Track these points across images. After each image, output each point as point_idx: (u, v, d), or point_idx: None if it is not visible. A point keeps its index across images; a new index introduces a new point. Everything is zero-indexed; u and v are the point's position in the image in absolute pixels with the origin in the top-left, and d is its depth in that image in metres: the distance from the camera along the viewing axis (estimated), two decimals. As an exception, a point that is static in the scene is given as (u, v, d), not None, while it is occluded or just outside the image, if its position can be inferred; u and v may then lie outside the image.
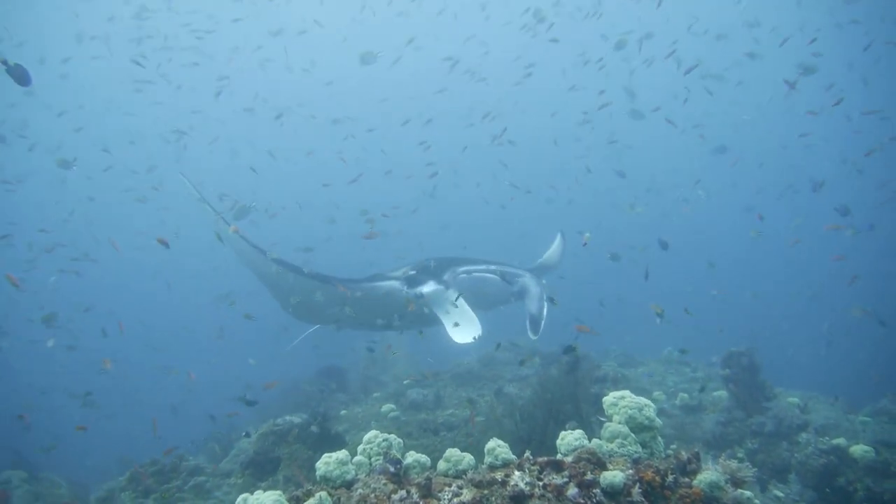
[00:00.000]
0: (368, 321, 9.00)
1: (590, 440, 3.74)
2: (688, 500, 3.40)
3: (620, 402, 3.89)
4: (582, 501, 3.28)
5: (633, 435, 3.74)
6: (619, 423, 3.82)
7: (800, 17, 23.57)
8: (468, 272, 8.31)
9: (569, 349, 6.93)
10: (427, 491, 3.33)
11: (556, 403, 6.53)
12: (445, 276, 8.16)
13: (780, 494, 6.65)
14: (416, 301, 7.96)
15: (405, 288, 8.08)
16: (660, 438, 3.93)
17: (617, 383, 8.36)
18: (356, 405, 10.31)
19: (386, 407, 9.34)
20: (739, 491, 3.69)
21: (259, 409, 11.14)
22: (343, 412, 9.84)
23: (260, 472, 6.95)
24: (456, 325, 7.55)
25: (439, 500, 3.31)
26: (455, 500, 3.28)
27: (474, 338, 7.40)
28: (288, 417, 7.69)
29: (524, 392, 8.20)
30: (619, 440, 3.70)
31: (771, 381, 7.76)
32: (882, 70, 22.84)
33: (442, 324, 7.79)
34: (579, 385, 6.89)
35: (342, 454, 3.61)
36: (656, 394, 8.85)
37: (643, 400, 3.91)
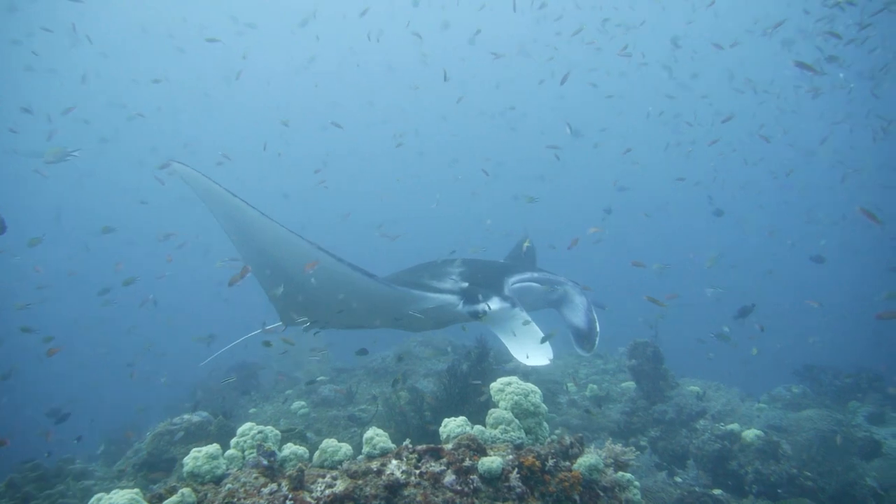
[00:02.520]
0: (373, 324, 7.91)
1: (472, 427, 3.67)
2: (567, 483, 3.39)
3: (507, 388, 3.85)
4: (459, 488, 3.20)
5: (516, 421, 3.71)
6: (505, 409, 3.77)
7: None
8: (519, 281, 7.33)
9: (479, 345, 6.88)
10: (299, 483, 3.17)
11: (463, 395, 6.48)
12: (506, 290, 7.11)
13: (679, 479, 6.82)
14: (477, 319, 6.97)
15: (461, 303, 6.97)
16: (545, 424, 3.91)
17: (528, 376, 8.38)
18: (267, 403, 9.99)
19: (296, 404, 9.08)
20: (620, 473, 3.72)
21: (163, 408, 10.63)
22: (252, 410, 9.51)
23: (154, 473, 6.59)
24: (525, 348, 6.57)
25: (311, 492, 3.16)
26: (328, 491, 3.14)
27: (547, 363, 6.40)
28: (186, 416, 7.34)
29: (436, 386, 8.11)
30: (502, 426, 3.66)
31: (673, 371, 7.97)
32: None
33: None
34: (486, 377, 6.85)
35: (212, 448, 3.40)
36: (569, 385, 8.96)
37: (530, 386, 3.88)
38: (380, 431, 3.53)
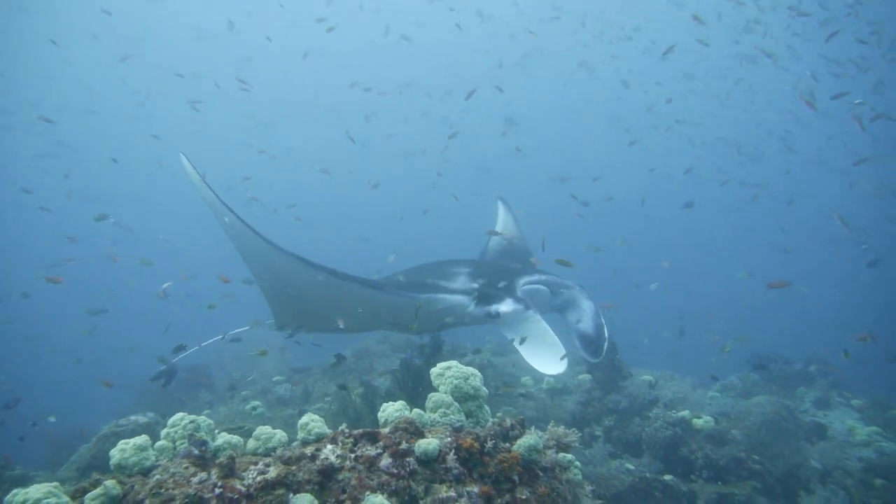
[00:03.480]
0: (379, 327, 7.74)
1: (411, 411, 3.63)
2: (506, 464, 3.37)
3: (446, 372, 3.82)
4: (395, 471, 3.16)
5: (456, 404, 3.68)
6: (445, 393, 3.74)
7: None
8: (528, 283, 7.08)
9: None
10: (229, 471, 3.08)
11: (416, 388, 6.45)
12: (518, 291, 6.87)
13: (631, 466, 6.87)
14: (489, 321, 6.76)
15: (473, 304, 6.75)
16: (486, 407, 3.89)
17: (484, 370, 8.38)
18: (221, 405, 9.79)
19: (251, 404, 8.93)
20: (562, 454, 3.72)
21: (110, 411, 10.32)
22: (206, 411, 9.30)
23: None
24: (537, 352, 6.30)
25: (243, 479, 3.08)
26: (259, 478, 3.06)
27: (563, 370, 6.14)
28: (133, 417, 7.15)
29: (390, 382, 8.05)
30: (441, 409, 3.63)
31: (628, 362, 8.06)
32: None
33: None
34: (440, 370, 6.83)
35: (140, 439, 3.29)
36: (524, 379, 8.98)
37: (470, 369, 3.86)
38: (315, 417, 3.47)
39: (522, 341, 6.32)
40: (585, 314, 6.74)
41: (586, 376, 8.61)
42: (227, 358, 11.82)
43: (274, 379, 10.32)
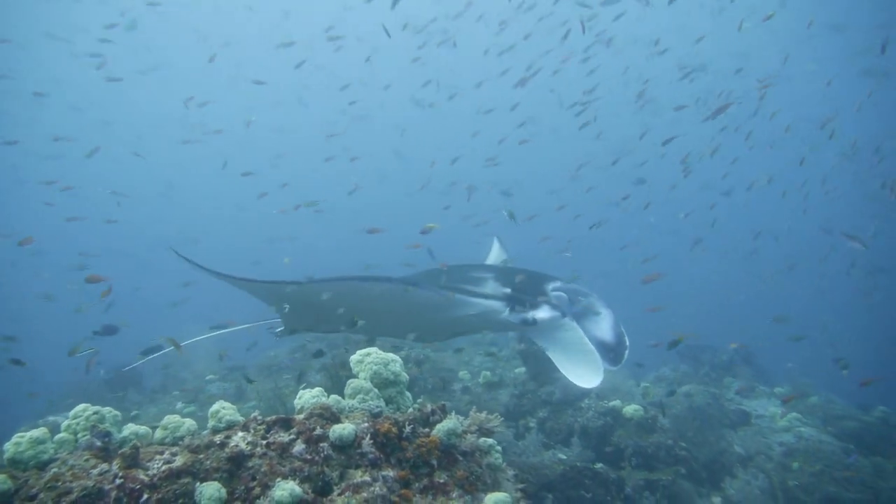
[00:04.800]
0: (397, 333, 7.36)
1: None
2: (424, 448, 3.35)
3: (366, 358, 3.78)
4: (308, 457, 3.09)
5: (375, 390, 3.64)
6: (365, 379, 3.70)
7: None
8: (554, 290, 6.76)
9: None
10: (133, 461, 2.96)
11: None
12: (552, 298, 6.55)
13: (563, 456, 6.96)
14: (524, 328, 6.49)
15: (507, 310, 6.40)
16: (407, 393, 3.87)
17: (420, 364, 8.37)
18: (152, 405, 9.48)
19: (182, 404, 8.67)
20: (483, 439, 3.73)
21: (34, 412, 9.85)
22: (134, 412, 8.97)
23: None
24: (574, 362, 6.08)
25: (147, 469, 2.95)
26: (165, 467, 2.94)
27: (598, 382, 5.90)
28: (51, 418, 6.86)
29: (324, 377, 7.94)
30: (360, 395, 3.58)
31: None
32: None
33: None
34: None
35: (38, 432, 3.12)
36: (462, 373, 8.99)
37: (390, 356, 3.83)
38: (226, 404, 3.37)
39: (558, 351, 6.22)
40: (605, 322, 6.56)
41: (522, 369, 8.69)
42: (158, 358, 11.42)
43: (207, 378, 10.06)
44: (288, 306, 5.96)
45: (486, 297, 6.42)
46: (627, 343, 6.27)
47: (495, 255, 9.90)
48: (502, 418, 4.01)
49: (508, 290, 6.54)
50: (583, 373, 5.94)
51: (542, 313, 6.31)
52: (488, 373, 8.80)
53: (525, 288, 6.57)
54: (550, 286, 6.70)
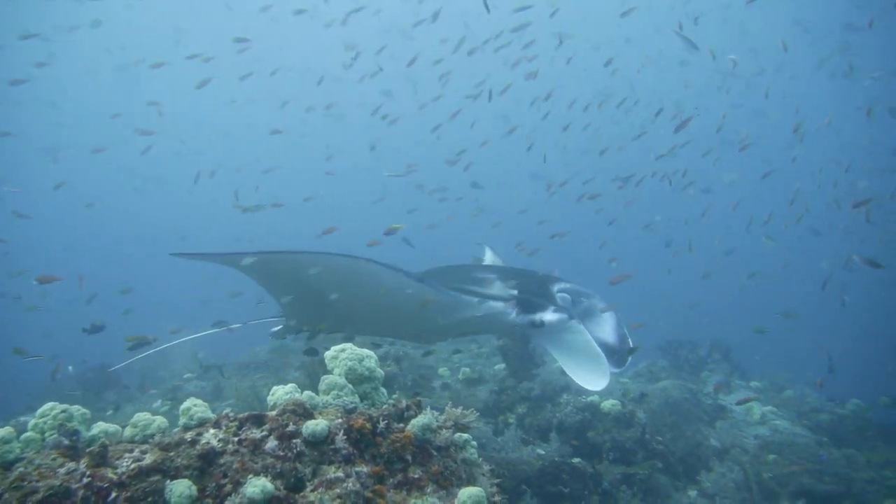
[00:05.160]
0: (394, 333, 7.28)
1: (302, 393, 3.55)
2: (398, 444, 3.34)
3: (341, 354, 3.76)
4: (281, 453, 3.07)
5: (350, 386, 3.63)
6: (339, 375, 3.68)
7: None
8: (559, 291, 6.70)
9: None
10: (101, 460, 2.92)
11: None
12: (559, 300, 6.48)
13: (542, 451, 7.00)
14: (531, 330, 6.42)
15: (514, 312, 6.33)
16: (382, 389, 3.86)
17: (399, 361, 8.36)
18: (128, 404, 9.36)
19: (158, 403, 8.58)
20: (458, 434, 3.73)
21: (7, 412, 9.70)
22: (109, 412, 8.86)
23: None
24: (580, 365, 6.01)
25: (115, 467, 2.92)
26: (134, 465, 2.91)
27: (605, 384, 5.84)
28: (23, 419, 6.75)
29: (301, 374, 7.91)
30: (334, 391, 3.56)
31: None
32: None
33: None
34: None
35: (4, 431, 3.06)
36: (441, 370, 9.00)
37: (365, 351, 3.81)
38: (198, 402, 3.34)
39: (564, 353, 6.15)
40: (607, 323, 6.55)
41: (502, 366, 8.72)
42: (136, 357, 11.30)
43: (185, 376, 9.97)
44: (284, 290, 5.88)
45: (492, 298, 6.33)
46: (631, 345, 6.29)
47: (489, 262, 9.74)
48: (478, 413, 4.02)
49: (515, 292, 6.44)
50: (589, 375, 5.89)
51: (550, 315, 6.24)
52: (468, 369, 8.82)
53: (531, 289, 6.49)
54: (555, 287, 6.66)
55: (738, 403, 8.02)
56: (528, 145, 15.41)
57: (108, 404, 9.56)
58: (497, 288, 6.53)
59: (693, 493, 6.76)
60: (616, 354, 6.15)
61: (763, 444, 7.68)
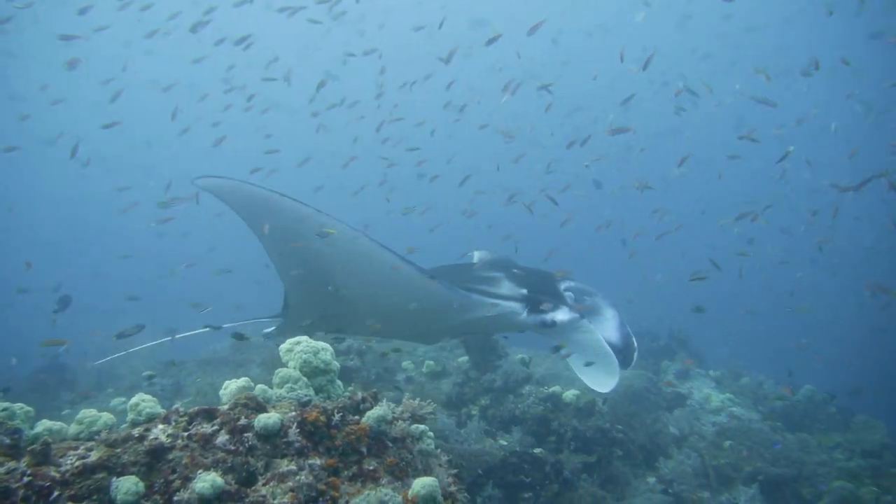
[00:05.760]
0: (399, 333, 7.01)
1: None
2: (353, 436, 3.32)
3: (296, 347, 3.73)
4: (232, 448, 3.03)
5: (304, 379, 3.59)
6: (294, 368, 3.65)
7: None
8: (565, 290, 6.52)
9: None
10: (43, 458, 2.84)
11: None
12: (578, 300, 6.32)
13: (505, 443, 7.04)
14: (541, 331, 6.24)
15: (525, 312, 6.15)
16: (338, 382, 3.84)
17: (363, 355, 8.31)
18: (84, 402, 9.14)
19: (115, 402, 8.38)
20: (415, 425, 3.72)
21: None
22: (66, 411, 8.66)
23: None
24: (590, 366, 5.94)
25: (59, 466, 2.84)
26: (79, 463, 2.83)
27: (614, 385, 5.77)
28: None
29: (262, 371, 7.84)
30: (289, 384, 3.53)
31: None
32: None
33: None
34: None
35: (-59, 429, 2.96)
36: (405, 363, 8.98)
37: (320, 344, 3.78)
38: (146, 397, 3.27)
39: (575, 354, 6.04)
40: (611, 323, 6.37)
41: (465, 358, 8.74)
42: (92, 355, 11.05)
43: (144, 374, 9.75)
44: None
45: (503, 298, 6.19)
46: (636, 344, 6.15)
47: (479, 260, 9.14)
48: (437, 406, 4.03)
49: (525, 291, 6.30)
50: (599, 376, 5.84)
51: (562, 315, 6.11)
52: (432, 362, 8.82)
53: (541, 288, 6.36)
54: (562, 286, 6.52)
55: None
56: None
57: (65, 403, 9.35)
58: (506, 287, 6.38)
59: (652, 479, 6.89)
60: (621, 354, 6.00)
61: (720, 430, 7.87)
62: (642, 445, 7.22)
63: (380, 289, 5.66)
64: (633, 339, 6.17)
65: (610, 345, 5.98)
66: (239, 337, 5.87)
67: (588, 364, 6.00)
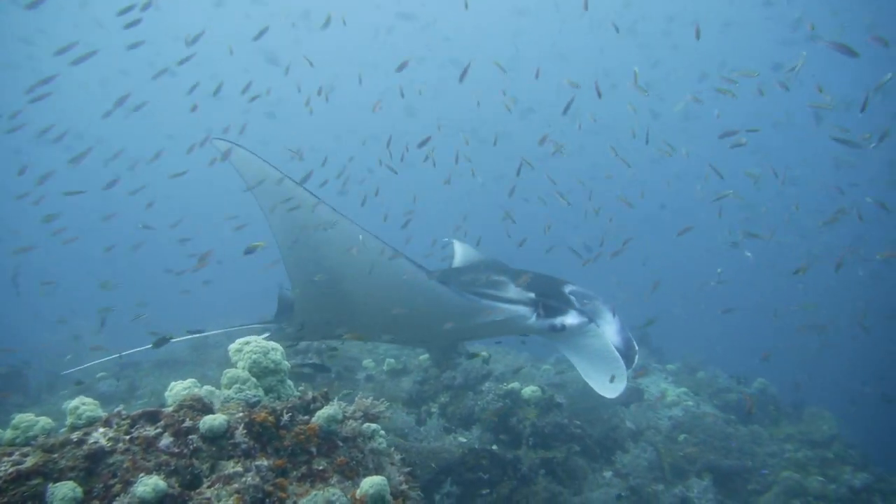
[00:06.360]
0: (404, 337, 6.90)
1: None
2: (302, 436, 3.30)
3: (245, 347, 3.67)
4: (176, 450, 2.98)
5: (253, 379, 3.55)
6: (243, 368, 3.60)
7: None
8: (569, 293, 6.41)
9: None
10: (-24, 464, 2.75)
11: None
12: (577, 303, 6.20)
13: (464, 440, 7.08)
14: (549, 335, 6.18)
15: (534, 316, 6.05)
16: (289, 382, 3.80)
17: (321, 353, 8.26)
18: (36, 406, 8.89)
19: (67, 403, 8.17)
20: (367, 424, 3.71)
21: None
22: (14, 416, 8.39)
23: None
24: (597, 371, 5.85)
25: (-8, 473, 2.75)
26: (12, 469, 2.75)
27: (622, 390, 5.66)
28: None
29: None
30: (237, 385, 3.48)
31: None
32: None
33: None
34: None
35: None
36: (366, 362, 8.94)
37: (271, 343, 3.74)
38: (88, 400, 3.19)
39: (582, 358, 5.99)
40: (612, 326, 6.25)
41: (426, 356, 8.74)
42: (45, 357, 10.76)
43: (98, 375, 9.54)
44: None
45: (511, 302, 6.11)
46: (636, 347, 6.11)
47: (463, 256, 9.03)
48: (395, 403, 4.02)
49: (532, 295, 6.21)
50: (607, 381, 5.77)
51: (571, 319, 6.05)
52: (393, 360, 8.81)
53: (547, 292, 6.29)
54: (567, 290, 6.45)
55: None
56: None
57: (14, 407, 9.07)
58: (514, 291, 6.27)
59: (608, 473, 6.99)
60: (623, 357, 5.95)
61: (675, 424, 8.03)
62: (599, 440, 7.32)
63: (392, 295, 5.55)
64: (634, 343, 6.14)
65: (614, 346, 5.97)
66: (161, 341, 5.79)
67: (595, 368, 5.93)
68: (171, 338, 5.89)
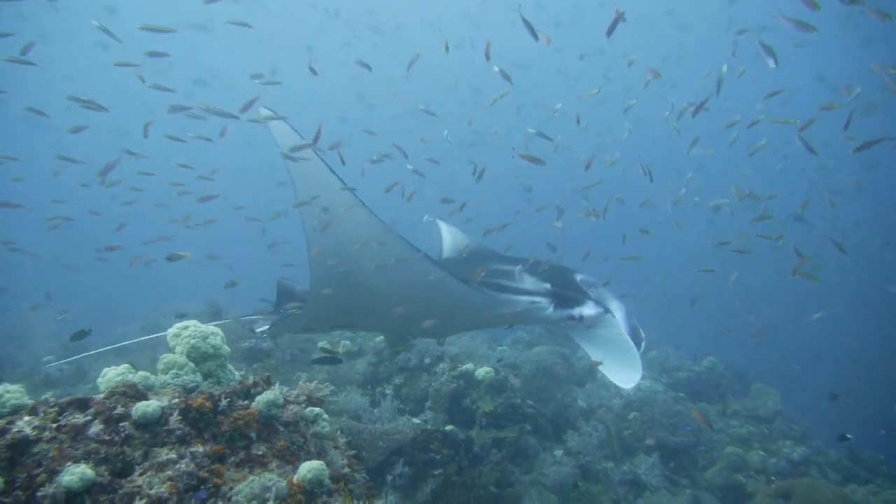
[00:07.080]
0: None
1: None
2: (241, 421, 3.24)
3: (184, 332, 3.58)
4: (106, 438, 2.89)
5: (191, 364, 3.47)
6: (181, 353, 3.51)
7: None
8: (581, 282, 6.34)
9: None
10: None
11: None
12: (592, 293, 6.08)
13: (417, 421, 7.10)
14: (568, 326, 6.00)
15: (551, 307, 5.91)
16: (230, 366, 3.73)
17: (275, 336, 8.15)
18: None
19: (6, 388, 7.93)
20: (309, 408, 3.67)
21: None
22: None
23: None
24: (613, 361, 5.74)
25: None
26: (-71, 460, 2.64)
27: (637, 382, 5.58)
28: None
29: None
30: (174, 371, 3.40)
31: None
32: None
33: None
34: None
35: None
36: (321, 344, 8.84)
37: (210, 328, 3.66)
38: (13, 388, 3.07)
39: (599, 349, 5.86)
40: (619, 314, 6.13)
41: (381, 339, 8.71)
42: None
43: (45, 359, 9.25)
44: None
45: (528, 293, 5.99)
46: (643, 335, 5.99)
47: (452, 241, 8.59)
48: (333, 386, 3.98)
49: (548, 286, 6.10)
50: (622, 371, 5.68)
51: (589, 310, 5.93)
52: (348, 342, 8.76)
53: (562, 282, 6.18)
54: (579, 279, 6.37)
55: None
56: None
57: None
58: (529, 282, 6.16)
59: (559, 452, 7.10)
60: None
61: (626, 402, 8.18)
62: (552, 419, 7.43)
63: (419, 295, 5.46)
64: (641, 330, 6.05)
65: None
66: (81, 335, 5.67)
67: (611, 359, 5.84)
68: (90, 331, 5.82)
